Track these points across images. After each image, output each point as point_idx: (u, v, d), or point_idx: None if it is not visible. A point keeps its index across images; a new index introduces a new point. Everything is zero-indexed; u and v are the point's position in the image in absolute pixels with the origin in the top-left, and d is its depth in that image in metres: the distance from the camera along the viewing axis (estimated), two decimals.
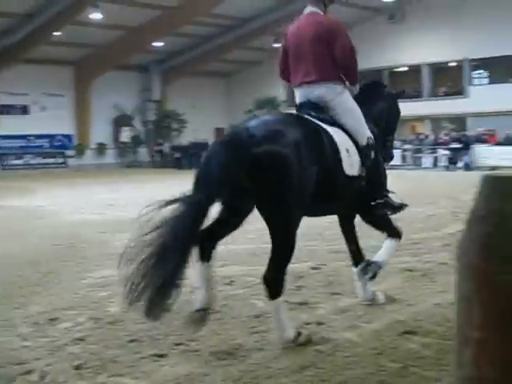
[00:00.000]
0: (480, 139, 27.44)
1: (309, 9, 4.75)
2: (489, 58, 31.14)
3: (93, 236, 9.24)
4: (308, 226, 9.61)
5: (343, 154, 4.35)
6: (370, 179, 4.64)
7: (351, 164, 4.41)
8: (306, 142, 4.04)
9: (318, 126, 4.35)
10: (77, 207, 13.67)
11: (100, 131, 35.19)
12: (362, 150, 4.54)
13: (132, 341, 4.32)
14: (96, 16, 27.79)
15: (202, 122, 37.92)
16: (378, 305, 5.03)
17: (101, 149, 35.55)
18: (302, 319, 4.70)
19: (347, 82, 4.73)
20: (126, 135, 36.76)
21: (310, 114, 4.49)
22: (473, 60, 32.20)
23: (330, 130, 4.39)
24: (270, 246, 4.11)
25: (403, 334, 4.31)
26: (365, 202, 4.73)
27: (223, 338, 4.32)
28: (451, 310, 4.70)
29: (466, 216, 1.30)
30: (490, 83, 32.49)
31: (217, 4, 29.05)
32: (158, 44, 33.23)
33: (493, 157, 25.10)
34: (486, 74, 33.73)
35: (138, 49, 32.71)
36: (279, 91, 38.30)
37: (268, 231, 4.12)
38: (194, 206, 3.76)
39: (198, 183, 3.83)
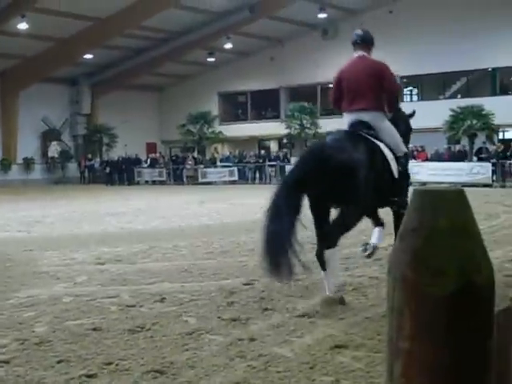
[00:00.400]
0: (410, 154, 28.23)
1: (358, 52, 6.10)
2: (419, 76, 32.24)
3: (19, 254, 8.94)
4: (239, 241, 9.69)
5: (391, 162, 5.71)
6: (400, 182, 5.94)
7: (395, 169, 5.75)
8: (366, 153, 5.42)
9: (373, 141, 5.69)
10: (2, 224, 13.23)
11: (27, 146, 34.32)
12: (399, 160, 5.88)
13: (60, 361, 4.19)
14: (22, 26, 27.17)
15: (134, 136, 37.57)
16: (310, 319, 5.07)
17: (28, 164, 34.66)
18: (234, 335, 4.67)
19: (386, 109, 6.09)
20: (54, 150, 35.94)
21: (362, 131, 5.75)
22: (404, 77, 33.26)
23: (380, 144, 5.72)
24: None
25: (335, 347, 4.34)
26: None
27: (154, 356, 4.24)
28: (382, 324, 4.80)
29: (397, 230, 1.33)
30: (419, 100, 33.59)
31: (148, 17, 28.88)
32: (88, 56, 32.77)
33: (422, 172, 25.79)
34: (416, 90, 34.85)
35: (66, 61, 32.18)
36: (212, 106, 38.46)
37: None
38: (289, 194, 5.08)
39: (291, 176, 5.35)
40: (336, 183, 5.19)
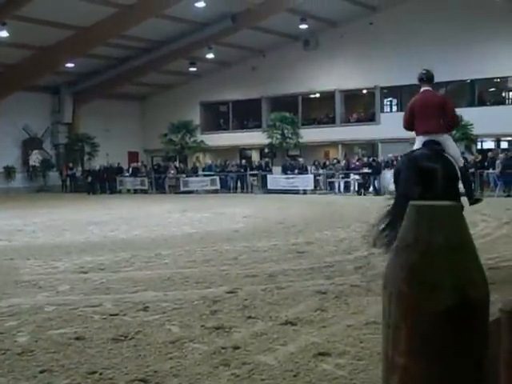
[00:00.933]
0: (390, 165, 28.46)
1: (424, 87, 7.75)
2: (398, 87, 32.43)
3: (0, 263, 8.88)
4: (222, 250, 9.69)
5: (457, 170, 7.34)
6: (464, 183, 7.75)
7: (459, 174, 7.42)
8: (443, 162, 7.18)
9: (445, 153, 7.36)
10: None
11: (8, 154, 34.00)
12: (460, 168, 7.47)
13: (43, 371, 4.16)
14: (3, 34, 26.98)
15: (115, 145, 37.39)
16: (293, 327, 5.10)
17: (8, 172, 34.34)
18: (217, 343, 4.69)
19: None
20: (35, 159, 35.64)
21: (433, 147, 7.33)
22: (383, 88, 33.47)
23: (449, 156, 7.35)
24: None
25: (318, 355, 4.36)
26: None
27: (138, 365, 4.24)
28: (364, 331, 4.84)
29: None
30: (399, 110, 33.84)
31: (131, 26, 28.78)
32: (70, 65, 32.59)
33: None
34: (395, 101, 35.12)
35: (48, 69, 31.90)
36: (194, 115, 38.42)
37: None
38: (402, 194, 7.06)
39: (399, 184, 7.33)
40: (444, 184, 6.94)
